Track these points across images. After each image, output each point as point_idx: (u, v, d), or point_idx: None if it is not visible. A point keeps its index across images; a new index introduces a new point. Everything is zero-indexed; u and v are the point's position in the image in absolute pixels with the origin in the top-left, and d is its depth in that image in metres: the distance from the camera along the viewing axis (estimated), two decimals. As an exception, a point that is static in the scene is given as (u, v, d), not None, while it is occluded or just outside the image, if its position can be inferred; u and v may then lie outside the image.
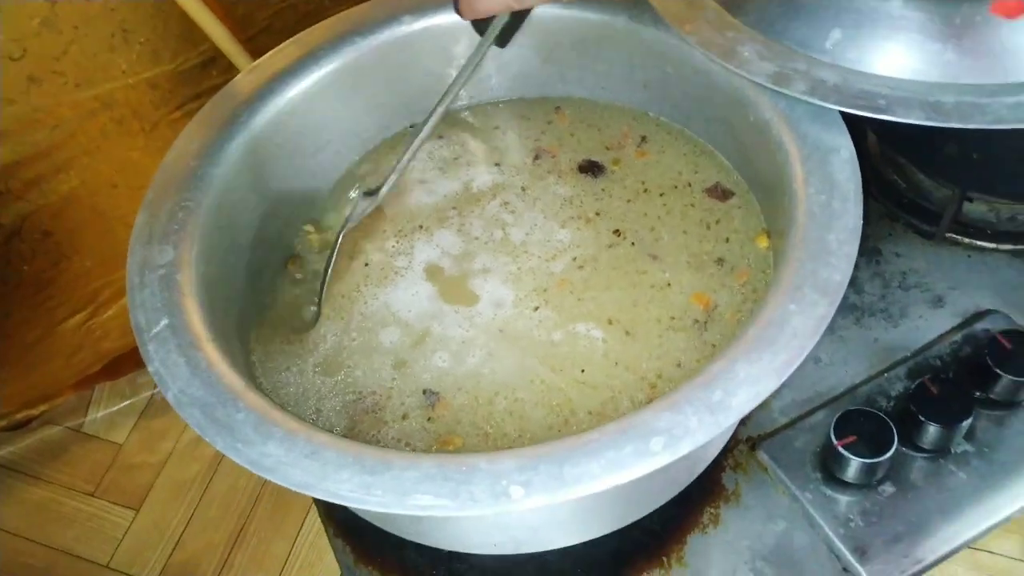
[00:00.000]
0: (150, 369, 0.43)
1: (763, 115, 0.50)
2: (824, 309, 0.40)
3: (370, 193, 0.56)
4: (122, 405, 0.99)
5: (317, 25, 0.59)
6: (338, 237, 0.55)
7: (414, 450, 0.47)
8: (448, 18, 0.59)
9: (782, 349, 0.39)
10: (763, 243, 0.54)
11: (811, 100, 0.48)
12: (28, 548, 0.92)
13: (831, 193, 0.45)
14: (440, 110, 0.53)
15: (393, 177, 0.55)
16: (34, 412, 0.97)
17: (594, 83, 0.63)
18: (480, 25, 0.53)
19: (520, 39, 0.60)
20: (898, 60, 0.49)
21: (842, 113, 0.48)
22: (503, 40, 0.53)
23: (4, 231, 0.75)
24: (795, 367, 0.39)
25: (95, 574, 0.92)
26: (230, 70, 0.72)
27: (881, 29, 0.49)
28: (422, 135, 0.54)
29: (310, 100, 0.57)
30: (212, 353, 0.43)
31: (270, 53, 0.58)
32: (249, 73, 0.57)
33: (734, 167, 0.58)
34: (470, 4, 0.49)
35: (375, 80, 0.60)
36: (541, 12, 0.59)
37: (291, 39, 0.58)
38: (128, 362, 0.94)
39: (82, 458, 0.98)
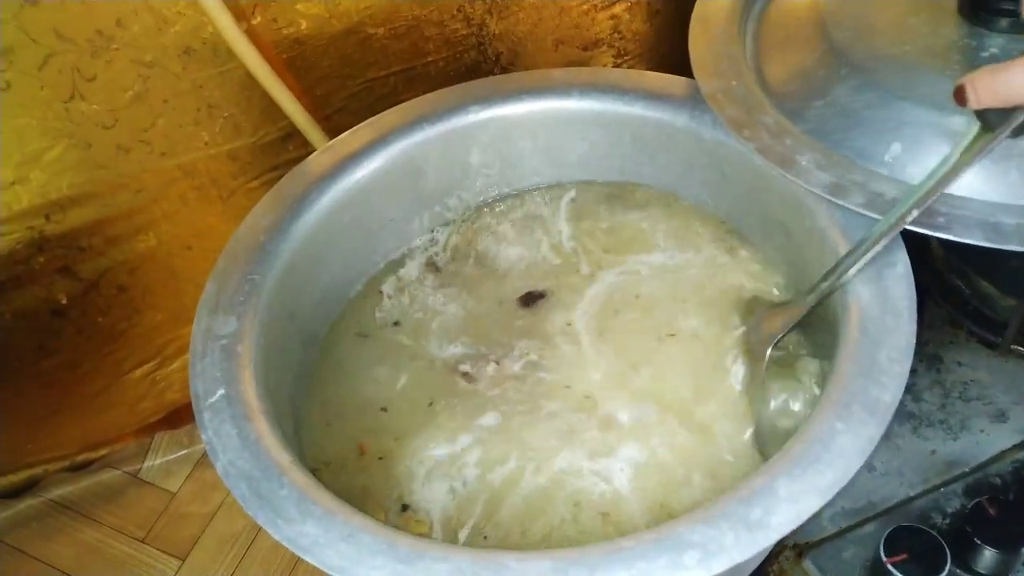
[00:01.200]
0: (203, 438, 0.44)
1: (819, 223, 0.50)
2: (873, 429, 0.40)
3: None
4: (179, 454, 1.01)
5: (390, 110, 0.61)
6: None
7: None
8: (513, 109, 0.61)
9: (827, 468, 0.38)
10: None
11: (867, 213, 0.48)
12: (75, 588, 0.94)
13: (884, 308, 0.44)
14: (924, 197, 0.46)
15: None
16: (94, 455, 1.00)
17: (652, 176, 0.64)
18: (991, 116, 0.44)
19: (581, 133, 0.62)
20: (959, 178, 0.49)
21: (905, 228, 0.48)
22: (1020, 131, 0.44)
23: (83, 284, 0.79)
24: (839, 488, 0.38)
25: (136, 621, 0.94)
26: (307, 145, 0.76)
27: (942, 145, 0.49)
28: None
29: (377, 181, 0.60)
30: (262, 426, 0.45)
31: (344, 135, 0.60)
32: (323, 153, 0.60)
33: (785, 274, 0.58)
34: (986, 89, 0.41)
35: (439, 165, 0.62)
36: (603, 109, 0.60)
37: (365, 122, 0.61)
38: (188, 413, 0.96)
39: (136, 503, 1.00)
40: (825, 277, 0.47)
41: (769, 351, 0.49)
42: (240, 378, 0.47)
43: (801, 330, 0.52)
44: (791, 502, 0.37)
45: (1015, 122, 0.43)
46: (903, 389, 0.41)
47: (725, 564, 0.36)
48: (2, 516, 0.98)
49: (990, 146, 0.45)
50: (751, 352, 0.52)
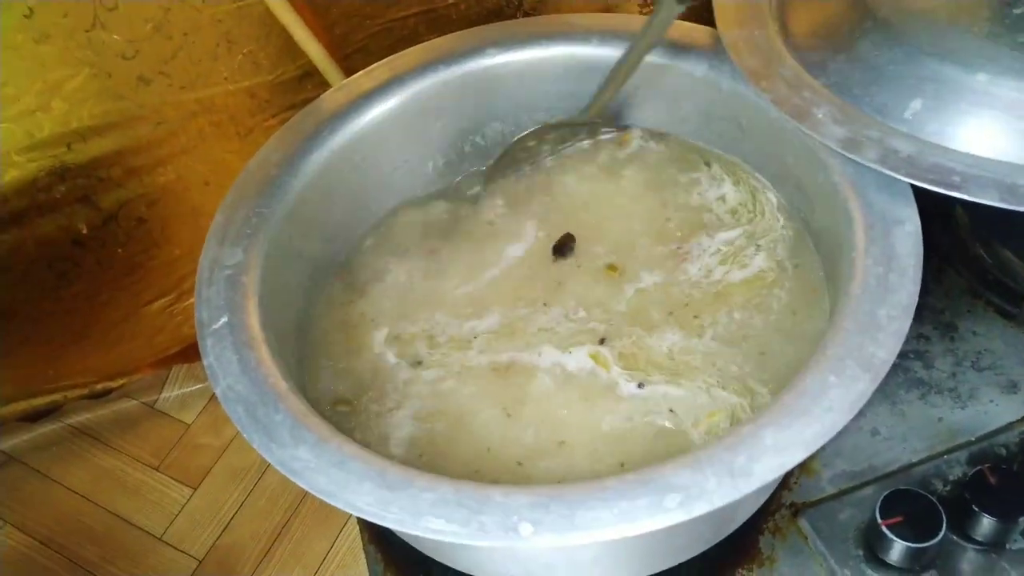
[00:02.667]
0: (204, 363, 0.45)
1: (832, 178, 0.50)
2: (864, 385, 0.39)
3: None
4: (195, 388, 1.04)
5: (407, 50, 0.61)
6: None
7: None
8: (532, 54, 0.61)
9: (815, 421, 0.38)
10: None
11: (880, 169, 0.47)
12: (90, 510, 0.97)
13: (889, 266, 0.44)
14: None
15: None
16: (113, 384, 1.03)
17: (669, 125, 0.63)
18: None
19: (599, 80, 0.61)
20: (979, 136, 0.48)
21: (917, 185, 0.47)
22: None
23: (103, 214, 0.81)
24: (825, 441, 0.38)
25: (148, 544, 0.97)
26: (325, 85, 0.75)
27: (964, 103, 0.48)
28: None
29: (390, 122, 0.59)
30: (263, 353, 0.46)
31: (359, 73, 0.60)
32: (337, 91, 0.60)
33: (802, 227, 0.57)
34: None
35: (453, 109, 0.62)
36: (620, 56, 0.59)
37: (381, 61, 0.61)
38: (204, 347, 0.99)
39: (152, 433, 1.03)
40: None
41: None
42: (244, 307, 0.48)
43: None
44: (776, 452, 0.37)
45: None
46: (899, 347, 0.40)
47: (705, 507, 0.36)
48: (24, 439, 1.02)
49: None
50: None
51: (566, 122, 0.63)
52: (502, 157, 0.62)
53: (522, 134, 0.62)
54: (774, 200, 0.58)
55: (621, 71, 0.58)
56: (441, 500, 0.38)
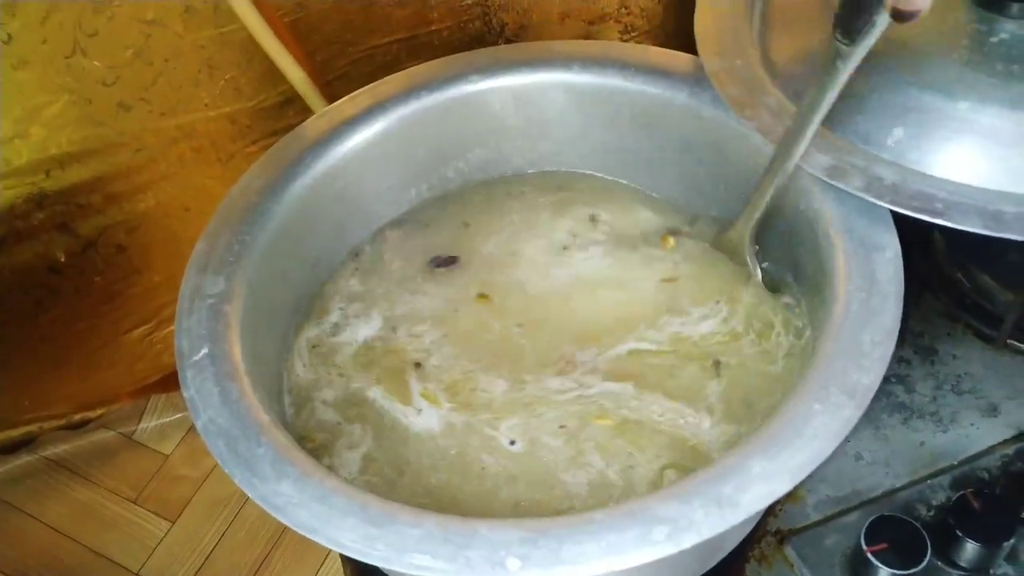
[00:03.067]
0: (185, 395, 0.44)
1: (813, 205, 0.50)
2: (850, 412, 0.39)
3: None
4: (173, 418, 1.03)
5: (390, 77, 0.61)
6: None
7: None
8: (514, 80, 0.61)
9: (801, 449, 0.38)
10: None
11: (865, 196, 0.47)
12: (66, 545, 0.95)
13: (871, 291, 0.44)
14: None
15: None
16: (91, 415, 1.01)
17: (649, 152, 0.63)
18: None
19: (579, 105, 0.61)
20: (961, 164, 0.48)
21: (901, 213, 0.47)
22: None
23: (82, 242, 0.80)
24: (812, 469, 0.38)
25: (125, 580, 0.95)
26: (307, 111, 0.75)
27: (946, 131, 0.48)
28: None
29: (373, 149, 0.59)
30: (244, 384, 0.45)
31: (342, 100, 0.60)
32: (320, 117, 0.59)
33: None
34: None
35: (436, 135, 0.62)
36: (603, 83, 0.60)
37: (364, 88, 0.60)
38: (183, 376, 0.98)
39: (130, 464, 1.01)
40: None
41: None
42: (225, 337, 0.47)
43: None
44: (763, 481, 0.37)
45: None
46: (883, 372, 0.40)
47: (694, 539, 0.36)
48: (-2, 472, 1.00)
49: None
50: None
51: None
52: None
53: None
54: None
55: (765, 183, 0.51)
56: (427, 536, 0.37)
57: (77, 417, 1.01)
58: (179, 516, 0.97)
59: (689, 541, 0.36)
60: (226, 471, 0.41)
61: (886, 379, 0.59)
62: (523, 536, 0.37)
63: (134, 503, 0.99)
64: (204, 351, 0.46)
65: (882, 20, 0.42)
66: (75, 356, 0.91)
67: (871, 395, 0.40)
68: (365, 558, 0.37)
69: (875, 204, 0.47)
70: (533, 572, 0.36)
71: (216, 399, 0.44)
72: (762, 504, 0.37)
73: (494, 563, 0.36)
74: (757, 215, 0.53)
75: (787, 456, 0.38)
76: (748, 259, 0.55)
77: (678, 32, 0.88)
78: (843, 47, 0.45)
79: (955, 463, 0.57)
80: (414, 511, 0.39)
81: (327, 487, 0.40)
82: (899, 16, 0.41)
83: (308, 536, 0.38)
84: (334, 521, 0.38)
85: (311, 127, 0.59)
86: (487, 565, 0.36)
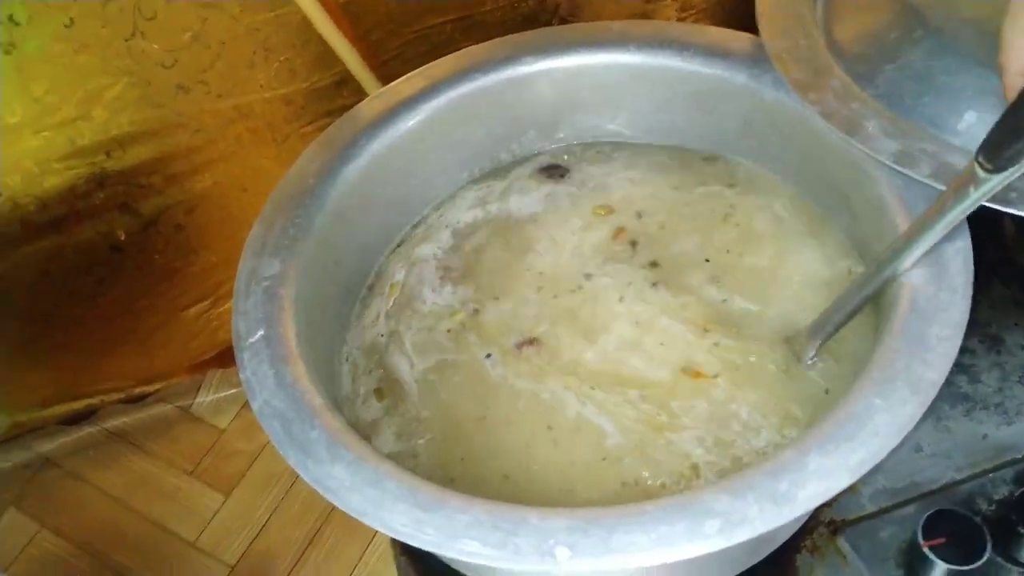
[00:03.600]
0: (241, 377, 0.45)
1: (880, 192, 0.48)
2: (913, 408, 0.38)
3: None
4: (229, 392, 1.05)
5: (443, 58, 0.61)
6: None
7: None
8: (569, 61, 0.60)
9: (860, 446, 0.37)
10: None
11: (935, 184, 0.45)
12: (124, 515, 0.99)
13: (939, 284, 0.42)
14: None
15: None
16: (149, 389, 1.04)
17: (708, 136, 0.62)
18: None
19: (636, 87, 0.60)
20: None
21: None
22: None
23: (142, 221, 0.82)
24: (871, 467, 0.37)
25: (181, 550, 0.98)
26: (361, 92, 0.76)
27: (1021, 115, 0.46)
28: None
29: (428, 130, 0.59)
30: (299, 368, 0.45)
31: (396, 82, 0.60)
32: (374, 99, 0.59)
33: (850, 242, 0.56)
34: None
35: (490, 117, 0.61)
36: (658, 63, 0.58)
37: (417, 70, 0.60)
38: (238, 353, 1.00)
39: (186, 438, 1.04)
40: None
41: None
42: (280, 320, 0.48)
43: None
44: (820, 477, 0.36)
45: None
46: (950, 368, 0.39)
47: (747, 534, 0.35)
48: (61, 442, 1.03)
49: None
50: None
51: None
52: None
53: None
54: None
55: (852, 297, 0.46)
56: (475, 522, 0.37)
57: (136, 391, 1.04)
58: (233, 489, 1.00)
59: (742, 536, 0.35)
60: (281, 453, 0.42)
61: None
62: (572, 524, 0.36)
63: (190, 475, 1.02)
64: (260, 333, 0.47)
65: None
66: (135, 333, 0.94)
67: (935, 391, 0.39)
68: (415, 542, 0.37)
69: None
70: (583, 561, 0.36)
71: (271, 381, 0.44)
72: (818, 501, 0.36)
73: (543, 552, 0.36)
74: (832, 330, 0.47)
75: (845, 452, 0.37)
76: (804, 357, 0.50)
77: (737, 11, 0.86)
78: (982, 173, 0.38)
79: (1019, 457, 0.55)
80: (464, 497, 0.39)
81: (380, 471, 0.40)
82: None
83: (359, 519, 0.39)
84: (386, 505, 0.39)
85: (365, 109, 0.59)
86: (536, 553, 0.36)
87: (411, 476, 0.40)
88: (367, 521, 0.38)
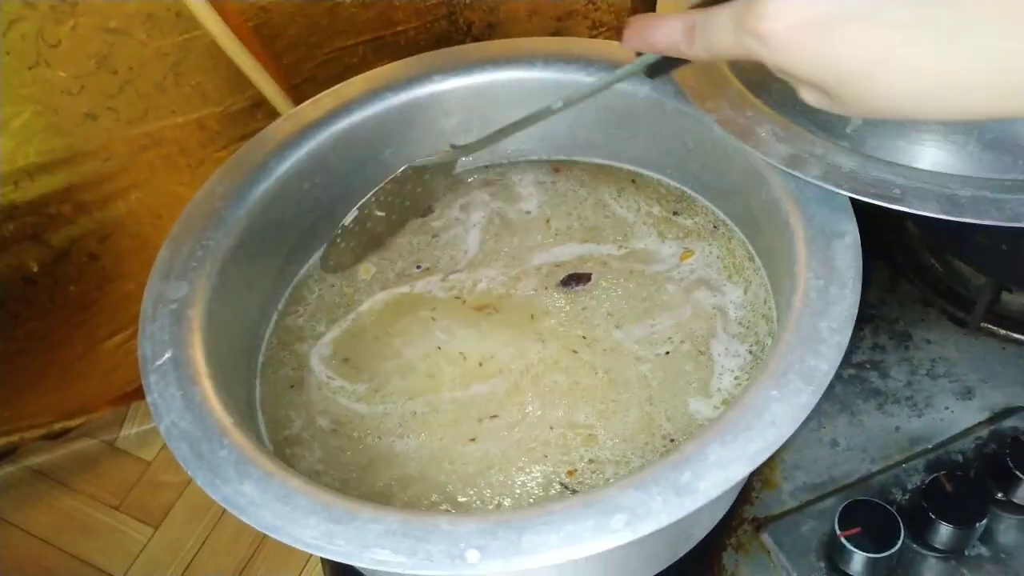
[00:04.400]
0: (148, 399, 0.45)
1: (774, 194, 0.50)
2: (806, 398, 0.39)
3: (456, 147, 0.56)
4: (154, 424, 1.02)
5: (354, 78, 0.61)
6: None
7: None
8: (478, 79, 0.61)
9: (758, 435, 0.38)
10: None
11: (823, 185, 0.47)
12: (51, 554, 0.96)
13: (829, 279, 0.44)
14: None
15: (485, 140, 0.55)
16: (71, 424, 1.01)
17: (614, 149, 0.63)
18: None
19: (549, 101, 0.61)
20: (918, 150, 0.49)
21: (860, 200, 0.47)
22: (654, 72, 0.49)
23: (54, 252, 0.80)
24: (768, 455, 0.38)
25: (110, 586, 0.95)
26: (275, 115, 0.75)
27: (903, 118, 0.49)
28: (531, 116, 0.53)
29: (338, 150, 0.59)
30: (208, 388, 0.45)
31: (305, 103, 0.60)
32: (284, 120, 0.59)
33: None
34: (638, 36, 0.44)
35: (401, 136, 0.62)
36: (567, 79, 0.60)
37: (329, 90, 0.61)
38: (164, 384, 0.97)
39: (112, 472, 1.02)
40: None
41: None
42: (189, 342, 0.47)
43: None
44: (720, 468, 0.37)
45: (648, 61, 0.47)
46: (840, 359, 0.41)
47: (652, 527, 0.36)
48: (-21, 483, 1.00)
49: (628, 74, 0.49)
50: None
51: (436, 163, 0.58)
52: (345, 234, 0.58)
53: (376, 188, 0.57)
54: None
55: (530, 120, 0.54)
56: (387, 531, 0.37)
57: (58, 426, 1.01)
58: (162, 522, 0.98)
59: (647, 529, 0.36)
60: (189, 473, 0.41)
61: (861, 365, 0.61)
62: (482, 528, 0.37)
63: (117, 510, 0.99)
64: (167, 355, 0.46)
65: None
66: (53, 366, 0.91)
67: (828, 380, 0.40)
68: (325, 554, 0.37)
69: (834, 192, 0.47)
70: (493, 563, 0.36)
71: (179, 403, 0.44)
72: (719, 490, 0.37)
73: (453, 556, 0.36)
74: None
75: (744, 442, 0.38)
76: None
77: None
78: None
79: (930, 447, 0.57)
80: (375, 507, 0.39)
81: (289, 487, 0.40)
82: None
83: (270, 535, 0.38)
84: (296, 519, 0.38)
85: (275, 130, 0.59)
86: (447, 558, 0.36)
87: (323, 490, 0.40)
88: (278, 536, 0.38)
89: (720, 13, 0.38)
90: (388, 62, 0.62)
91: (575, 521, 0.36)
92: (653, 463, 0.38)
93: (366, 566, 0.37)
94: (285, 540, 0.38)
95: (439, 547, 0.36)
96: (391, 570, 0.37)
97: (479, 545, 0.36)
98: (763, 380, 0.40)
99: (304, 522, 0.38)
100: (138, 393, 1.00)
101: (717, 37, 0.38)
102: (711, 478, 0.37)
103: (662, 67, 0.48)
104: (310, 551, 0.37)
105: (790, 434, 0.38)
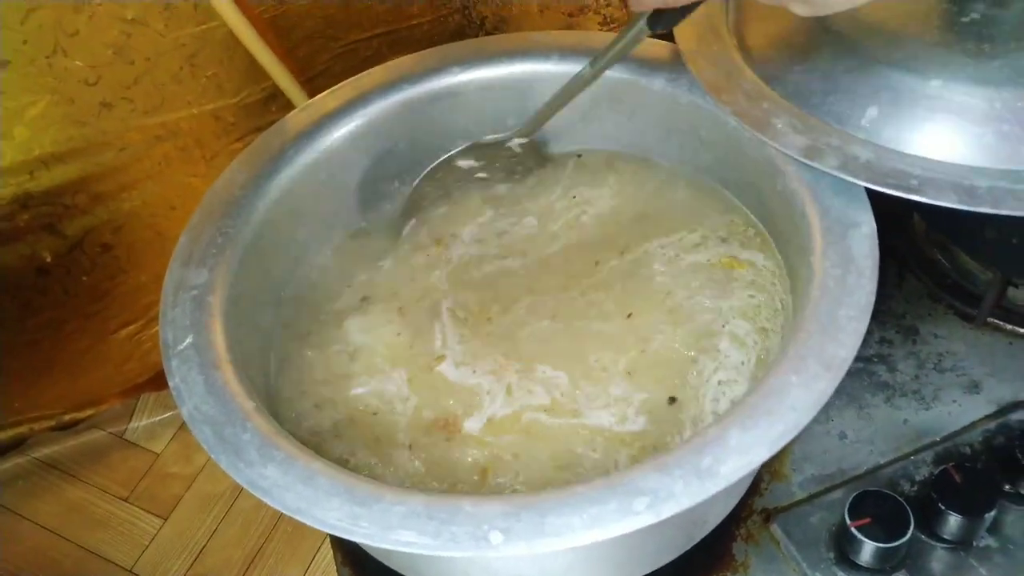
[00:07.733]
0: (170, 384, 0.45)
1: (790, 185, 0.50)
2: (826, 384, 0.40)
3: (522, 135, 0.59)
4: (164, 416, 1.03)
5: (371, 70, 0.61)
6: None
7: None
8: (494, 72, 0.61)
9: (778, 420, 0.39)
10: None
11: (841, 175, 0.48)
12: (59, 545, 0.96)
13: (847, 268, 0.44)
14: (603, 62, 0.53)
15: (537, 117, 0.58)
16: (80, 415, 1.02)
17: (628, 141, 0.64)
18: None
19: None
20: (934, 141, 0.49)
21: (881, 192, 0.48)
22: (654, 24, 0.50)
23: (68, 242, 0.80)
24: (789, 439, 0.38)
25: (118, 577, 0.95)
26: (290, 107, 0.76)
27: (919, 109, 0.49)
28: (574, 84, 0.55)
29: (355, 141, 0.60)
30: (229, 373, 0.45)
31: (323, 94, 0.60)
32: (301, 111, 0.60)
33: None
34: None
35: (418, 128, 0.62)
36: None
37: (345, 81, 0.61)
38: (173, 375, 0.98)
39: (121, 464, 1.02)
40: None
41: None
42: (210, 327, 0.47)
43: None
44: (741, 452, 0.38)
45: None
46: (858, 345, 0.41)
47: (673, 509, 0.36)
48: (-10, 474, 1.00)
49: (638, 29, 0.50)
50: None
51: (497, 140, 0.61)
52: (425, 180, 0.61)
53: (449, 154, 0.61)
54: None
55: (567, 92, 0.57)
56: (411, 513, 0.38)
57: (67, 418, 1.02)
58: (171, 513, 0.98)
59: (669, 511, 0.36)
60: (212, 456, 0.41)
61: (868, 359, 0.61)
62: (506, 510, 0.37)
63: (126, 501, 1.00)
64: (188, 341, 0.46)
65: None
66: (64, 357, 0.91)
67: (846, 367, 0.40)
68: (351, 536, 0.37)
69: (851, 183, 0.48)
70: (516, 545, 0.36)
71: (201, 387, 0.44)
72: (740, 474, 0.37)
73: (477, 537, 0.36)
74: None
75: (765, 427, 0.39)
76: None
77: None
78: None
79: (938, 439, 0.58)
80: (399, 490, 0.39)
81: (312, 469, 0.40)
82: None
83: (294, 516, 0.39)
84: (320, 502, 0.39)
85: (293, 121, 0.59)
86: (470, 540, 0.36)
87: (345, 472, 0.40)
88: (302, 518, 0.39)
89: None
90: (403, 55, 0.62)
91: (599, 503, 0.37)
92: (675, 448, 0.39)
93: (391, 548, 0.37)
94: (309, 522, 0.38)
95: (464, 528, 0.37)
96: (416, 551, 0.37)
97: (503, 527, 0.37)
98: (783, 365, 0.41)
99: (327, 504, 0.39)
100: (148, 385, 1.01)
101: None
102: (732, 462, 0.37)
103: (665, 19, 0.50)
104: (335, 533, 0.38)
105: (810, 419, 0.39)
